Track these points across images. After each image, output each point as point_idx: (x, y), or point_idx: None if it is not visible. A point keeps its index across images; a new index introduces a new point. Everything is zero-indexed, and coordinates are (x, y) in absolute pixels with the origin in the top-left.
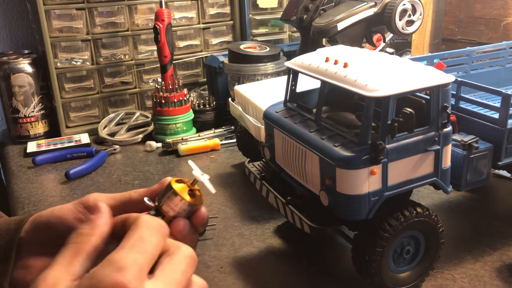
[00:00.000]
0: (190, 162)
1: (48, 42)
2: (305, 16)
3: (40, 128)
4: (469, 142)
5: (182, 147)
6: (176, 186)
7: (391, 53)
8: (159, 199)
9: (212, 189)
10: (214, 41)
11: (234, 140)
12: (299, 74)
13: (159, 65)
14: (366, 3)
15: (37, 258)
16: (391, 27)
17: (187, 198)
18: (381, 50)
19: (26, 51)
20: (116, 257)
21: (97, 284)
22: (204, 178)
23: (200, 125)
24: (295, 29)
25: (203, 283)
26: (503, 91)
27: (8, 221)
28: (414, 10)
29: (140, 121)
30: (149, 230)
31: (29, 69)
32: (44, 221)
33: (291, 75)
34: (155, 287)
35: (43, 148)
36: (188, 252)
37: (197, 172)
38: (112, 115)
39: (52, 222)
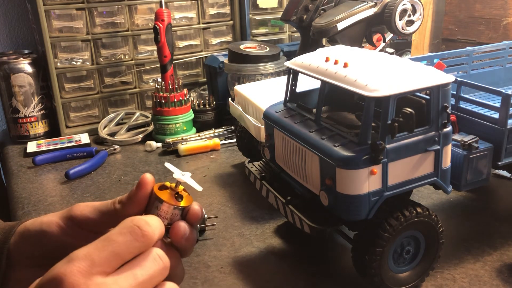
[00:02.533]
0: (167, 164)
1: (48, 42)
2: (305, 16)
3: (40, 128)
4: (469, 142)
5: (182, 147)
6: (161, 194)
7: (391, 53)
8: (147, 211)
9: (198, 187)
10: (214, 41)
11: (234, 140)
12: (299, 74)
13: (159, 65)
14: (366, 3)
15: (30, 271)
16: (391, 27)
17: (175, 203)
18: (381, 50)
19: (26, 51)
20: (75, 251)
21: (48, 274)
22: (187, 178)
23: (200, 125)
24: (295, 29)
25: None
26: (503, 91)
27: None
28: (414, 10)
29: (140, 121)
30: (119, 229)
31: (29, 69)
32: (33, 235)
33: (291, 75)
34: (105, 282)
35: (43, 148)
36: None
37: (177, 174)
38: (112, 115)
39: (40, 238)
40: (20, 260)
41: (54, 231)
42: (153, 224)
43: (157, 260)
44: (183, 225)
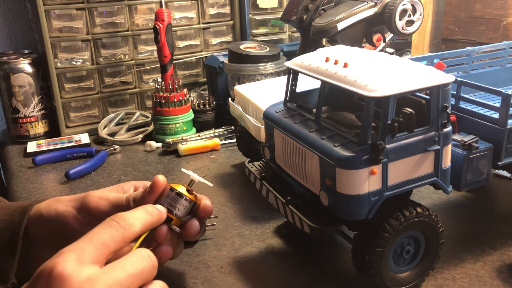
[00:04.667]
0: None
1: (48, 42)
2: (305, 16)
3: (40, 128)
4: (469, 142)
5: (182, 147)
6: (174, 186)
7: (391, 53)
8: (157, 201)
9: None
10: (214, 41)
11: (234, 140)
12: (299, 74)
13: (159, 65)
14: (366, 3)
15: (48, 251)
16: (391, 27)
17: (190, 196)
18: (381, 50)
19: (26, 51)
20: (63, 248)
21: (39, 269)
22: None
23: (200, 125)
24: (295, 29)
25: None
26: (503, 91)
27: (10, 211)
28: (414, 10)
29: (140, 121)
30: (107, 222)
31: (29, 69)
32: (47, 221)
33: (291, 75)
34: (97, 273)
35: (43, 148)
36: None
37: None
38: (112, 115)
39: (56, 225)
40: (38, 242)
41: (71, 222)
42: (132, 217)
43: (145, 258)
44: (195, 224)
